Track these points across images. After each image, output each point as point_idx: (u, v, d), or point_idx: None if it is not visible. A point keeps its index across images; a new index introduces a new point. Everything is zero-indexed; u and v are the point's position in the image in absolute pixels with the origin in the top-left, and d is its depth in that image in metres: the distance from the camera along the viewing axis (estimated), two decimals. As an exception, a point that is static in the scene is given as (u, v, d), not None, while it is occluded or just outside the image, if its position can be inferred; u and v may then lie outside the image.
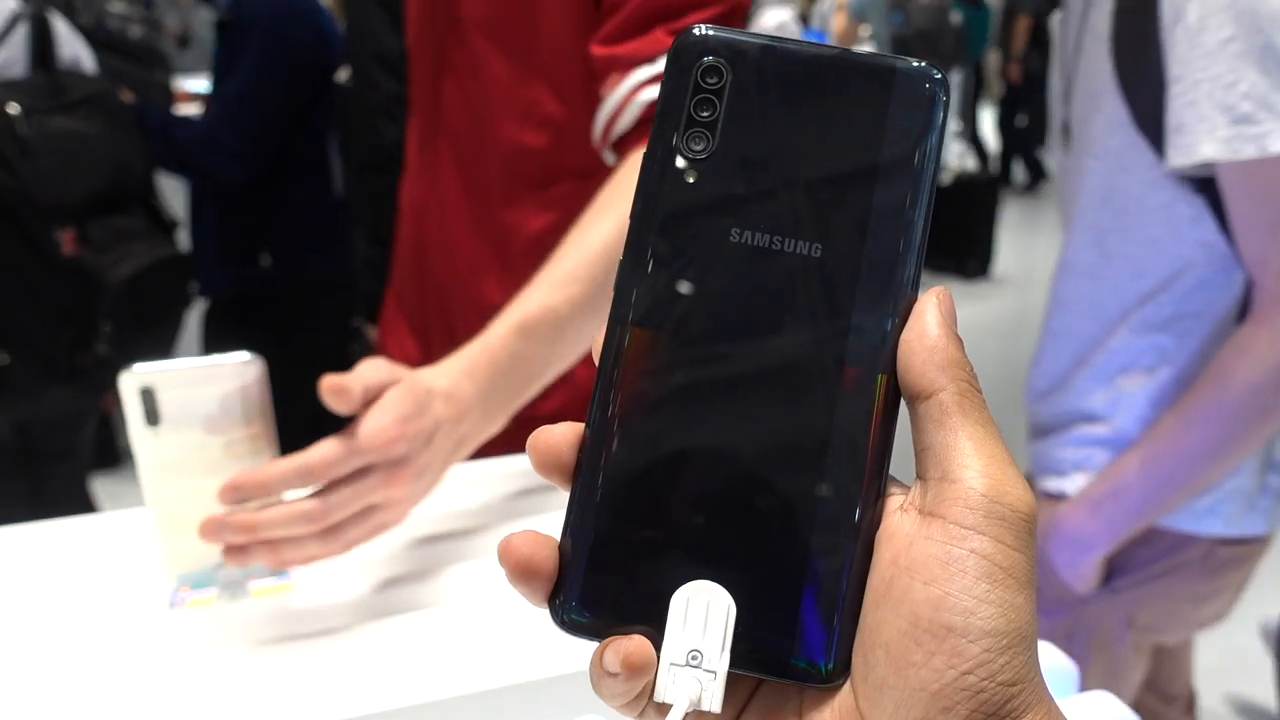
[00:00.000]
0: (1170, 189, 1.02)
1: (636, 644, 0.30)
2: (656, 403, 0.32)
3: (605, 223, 0.84)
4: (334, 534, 0.69)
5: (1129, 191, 1.06)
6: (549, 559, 0.31)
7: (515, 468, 0.95)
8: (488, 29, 0.98)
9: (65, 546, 0.86)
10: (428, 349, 1.10)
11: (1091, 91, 1.08)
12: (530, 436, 0.32)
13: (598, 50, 0.91)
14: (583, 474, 0.32)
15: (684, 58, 0.34)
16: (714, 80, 0.33)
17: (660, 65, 0.87)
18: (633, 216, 0.33)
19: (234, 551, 0.67)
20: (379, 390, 0.70)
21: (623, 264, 0.33)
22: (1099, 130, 1.08)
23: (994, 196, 5.26)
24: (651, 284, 0.33)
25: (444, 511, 0.88)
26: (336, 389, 0.68)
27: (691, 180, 0.33)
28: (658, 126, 0.34)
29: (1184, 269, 1.04)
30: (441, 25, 1.01)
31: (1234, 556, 1.13)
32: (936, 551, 0.29)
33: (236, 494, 0.67)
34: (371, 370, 0.71)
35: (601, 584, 0.31)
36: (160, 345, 1.59)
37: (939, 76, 0.33)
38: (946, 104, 0.33)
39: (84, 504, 1.79)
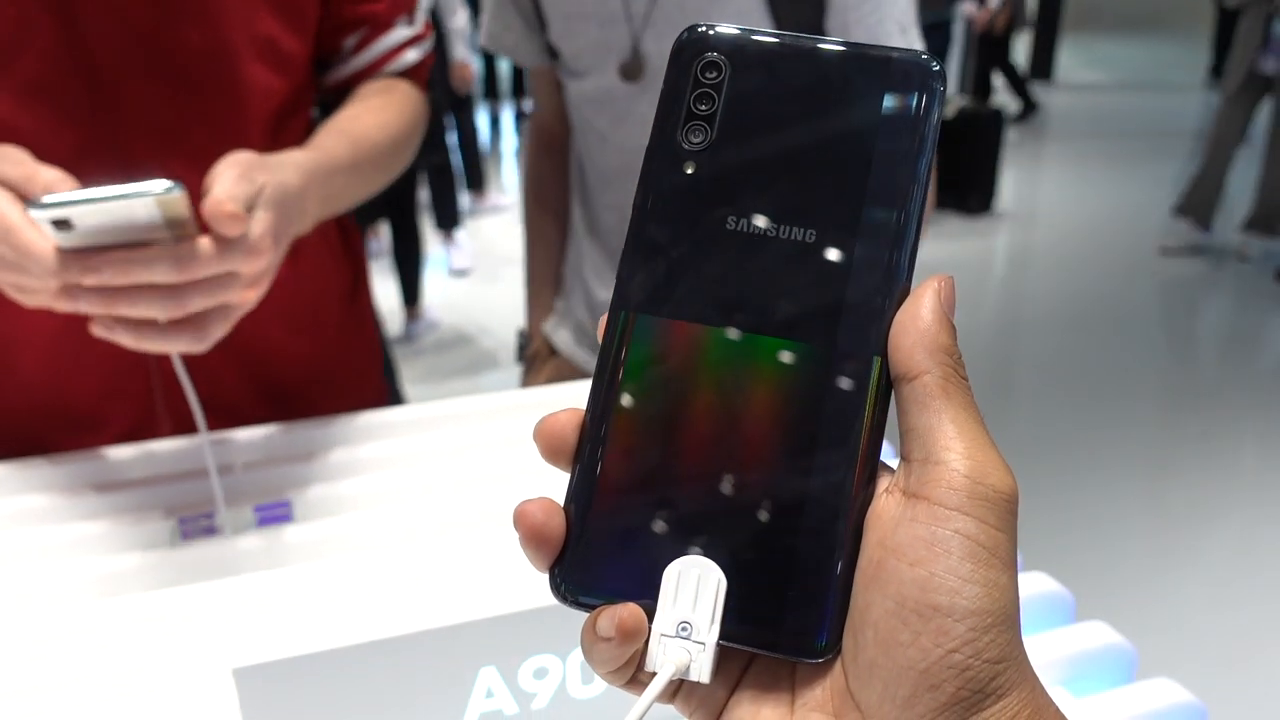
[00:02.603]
0: None
1: (630, 611, 0.31)
2: (654, 386, 0.33)
3: (389, 116, 0.97)
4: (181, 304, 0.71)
5: None
6: (559, 527, 0.32)
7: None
8: None
9: (71, 482, 0.87)
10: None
11: (713, 14, 1.09)
12: (535, 424, 0.34)
13: (359, 10, 0.99)
14: (583, 454, 0.33)
15: (685, 54, 0.35)
16: (713, 75, 0.35)
17: (406, 28, 1.02)
18: (635, 206, 0.35)
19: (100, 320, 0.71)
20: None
21: (625, 251, 0.34)
22: None
23: (998, 131, 5.19)
24: (651, 271, 0.34)
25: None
26: (233, 216, 0.69)
27: (691, 171, 0.34)
28: (659, 120, 0.35)
29: None
30: None
31: None
32: (921, 533, 0.29)
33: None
34: (230, 170, 0.72)
35: (599, 559, 0.32)
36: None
37: (935, 68, 0.34)
38: (942, 93, 0.34)
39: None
